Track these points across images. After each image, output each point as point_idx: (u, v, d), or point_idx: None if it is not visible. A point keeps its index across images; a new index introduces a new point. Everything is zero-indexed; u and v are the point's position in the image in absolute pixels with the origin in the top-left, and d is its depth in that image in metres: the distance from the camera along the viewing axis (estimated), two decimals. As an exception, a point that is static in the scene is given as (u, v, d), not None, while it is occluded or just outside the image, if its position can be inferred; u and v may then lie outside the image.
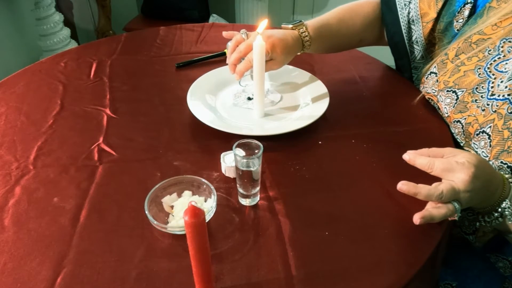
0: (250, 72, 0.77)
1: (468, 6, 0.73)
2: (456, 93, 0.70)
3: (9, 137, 0.74)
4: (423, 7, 0.80)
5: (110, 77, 0.93)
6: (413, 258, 0.53)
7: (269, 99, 0.83)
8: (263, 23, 0.74)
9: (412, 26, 0.83)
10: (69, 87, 0.89)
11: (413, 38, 0.84)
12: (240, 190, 0.60)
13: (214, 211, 0.57)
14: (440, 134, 0.74)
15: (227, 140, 0.69)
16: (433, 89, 0.76)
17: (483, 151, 0.64)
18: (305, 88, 0.85)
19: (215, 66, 0.92)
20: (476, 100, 0.67)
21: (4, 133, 0.75)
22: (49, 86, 0.89)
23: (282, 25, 0.81)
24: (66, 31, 2.02)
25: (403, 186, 0.55)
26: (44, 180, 0.65)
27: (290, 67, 0.90)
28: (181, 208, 0.58)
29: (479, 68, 0.68)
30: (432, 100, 0.78)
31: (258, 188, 0.60)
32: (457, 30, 0.76)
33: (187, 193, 0.61)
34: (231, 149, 0.58)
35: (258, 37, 0.69)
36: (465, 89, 0.69)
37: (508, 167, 0.60)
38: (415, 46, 0.85)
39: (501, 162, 0.61)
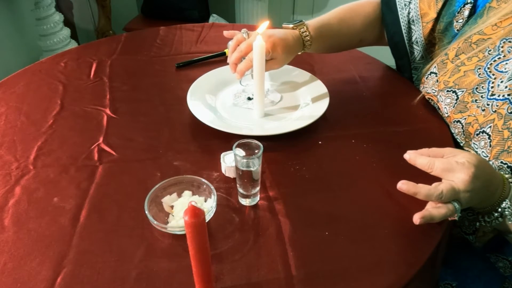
0: (251, 71, 0.77)
1: (468, 6, 0.73)
2: (456, 93, 0.70)
3: (9, 137, 0.74)
4: (423, 7, 0.80)
5: (110, 77, 0.93)
6: (413, 258, 0.53)
7: (269, 99, 0.83)
8: (264, 25, 0.74)
9: (412, 26, 0.83)
10: (69, 87, 0.89)
11: (413, 38, 0.84)
12: (240, 190, 0.60)
13: (214, 211, 0.57)
14: (440, 134, 0.74)
15: (227, 140, 0.69)
16: (433, 89, 0.76)
17: (483, 151, 0.64)
18: (305, 88, 0.85)
19: (215, 66, 0.92)
20: (476, 100, 0.67)
21: (4, 133, 0.75)
22: (49, 86, 0.89)
23: (283, 25, 0.81)
24: (66, 31, 2.02)
25: (403, 185, 0.55)
26: (44, 180, 0.65)
27: (290, 67, 0.90)
28: (181, 208, 0.58)
29: (479, 68, 0.68)
30: (432, 100, 0.78)
31: (258, 188, 0.60)
32: (457, 30, 0.76)
33: (187, 193, 0.61)
34: (231, 149, 0.58)
35: (258, 37, 0.69)
36: (465, 89, 0.69)
37: (508, 167, 0.60)
38: (415, 46, 0.85)
39: (501, 162, 0.61)
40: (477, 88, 0.67)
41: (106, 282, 0.50)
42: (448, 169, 0.54)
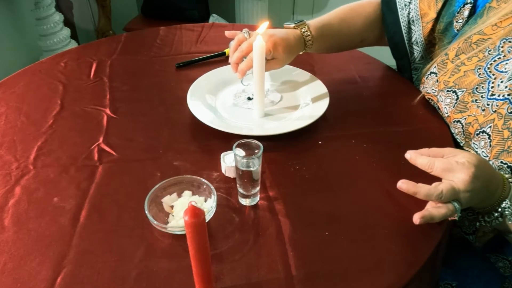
0: (252, 71, 0.77)
1: (468, 7, 0.73)
2: (456, 93, 0.70)
3: (9, 137, 0.74)
4: (423, 7, 0.80)
5: (110, 77, 0.93)
6: (413, 258, 0.53)
7: (269, 99, 0.83)
8: (263, 25, 0.74)
9: (412, 27, 0.83)
10: (69, 87, 0.89)
11: (413, 39, 0.84)
12: (240, 190, 0.60)
13: (214, 211, 0.57)
14: (440, 134, 0.74)
15: (227, 140, 0.69)
16: (433, 89, 0.76)
17: (483, 151, 0.64)
18: (305, 88, 0.85)
19: (215, 66, 0.92)
20: (476, 100, 0.67)
21: (4, 133, 0.75)
22: (49, 86, 0.89)
23: (284, 25, 0.81)
24: (66, 31, 2.02)
25: (403, 184, 0.55)
26: (44, 180, 0.65)
27: (290, 67, 0.90)
28: (181, 208, 0.58)
29: (479, 68, 0.68)
30: (432, 100, 0.78)
31: (258, 188, 0.60)
32: (457, 30, 0.76)
33: (187, 193, 0.61)
34: (231, 149, 0.58)
35: (258, 37, 0.69)
36: (465, 89, 0.69)
37: (508, 167, 0.60)
38: (414, 46, 0.85)
39: (501, 162, 0.61)
40: (477, 88, 0.67)
41: (106, 282, 0.50)
42: (448, 169, 0.54)
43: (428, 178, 0.56)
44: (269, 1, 2.17)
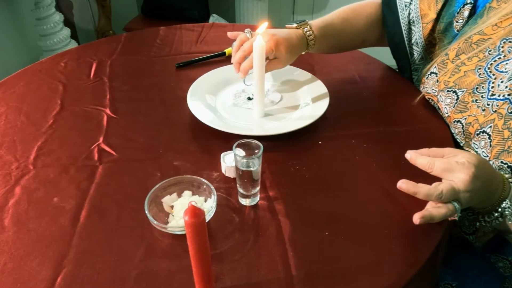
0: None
1: (468, 7, 0.73)
2: (456, 93, 0.70)
3: (9, 137, 0.74)
4: (423, 8, 0.80)
5: (110, 77, 0.93)
6: (413, 258, 0.53)
7: (269, 99, 0.83)
8: (263, 25, 0.74)
9: (412, 27, 0.83)
10: (69, 87, 0.89)
11: (413, 39, 0.84)
12: (240, 190, 0.60)
13: (214, 211, 0.57)
14: (440, 134, 0.74)
15: (227, 140, 0.69)
16: (433, 89, 0.76)
17: (483, 151, 0.64)
18: (305, 88, 0.85)
19: (215, 66, 0.92)
20: (476, 100, 0.67)
21: (4, 133, 0.75)
22: (49, 86, 0.89)
23: (286, 25, 0.81)
24: (66, 31, 2.02)
25: (403, 184, 0.55)
26: (44, 180, 0.65)
27: (291, 67, 0.90)
28: (181, 208, 0.58)
29: (480, 68, 0.68)
30: (432, 100, 0.78)
31: (258, 188, 0.60)
32: (457, 30, 0.76)
33: (187, 193, 0.61)
34: (231, 149, 0.58)
35: (258, 37, 0.69)
36: (465, 89, 0.69)
37: (508, 167, 0.60)
38: (414, 47, 0.85)
39: (501, 162, 0.61)
40: (477, 88, 0.67)
41: (106, 282, 0.50)
42: (448, 169, 0.54)
43: (428, 178, 0.56)
44: (269, 1, 2.17)
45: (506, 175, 0.58)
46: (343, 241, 0.55)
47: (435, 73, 0.76)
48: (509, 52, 0.65)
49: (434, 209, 0.54)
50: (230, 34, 0.85)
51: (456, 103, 0.70)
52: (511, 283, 0.68)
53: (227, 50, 1.00)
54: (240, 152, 0.58)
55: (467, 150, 0.67)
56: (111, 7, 2.23)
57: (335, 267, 0.52)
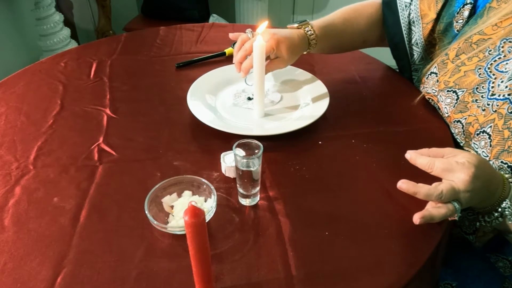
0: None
1: (468, 7, 0.73)
2: (456, 93, 0.70)
3: (9, 137, 0.74)
4: (423, 8, 0.80)
5: (110, 77, 0.93)
6: (413, 258, 0.53)
7: (269, 99, 0.83)
8: (263, 25, 0.74)
9: (413, 28, 0.83)
10: (69, 87, 0.89)
11: (413, 40, 0.84)
12: (240, 190, 0.60)
13: (214, 211, 0.57)
14: (440, 134, 0.74)
15: (227, 140, 0.69)
16: (433, 89, 0.76)
17: (483, 151, 0.64)
18: (305, 88, 0.85)
19: (215, 66, 0.92)
20: (476, 100, 0.67)
21: (4, 133, 0.75)
22: (49, 86, 0.89)
23: (288, 26, 0.81)
24: (66, 31, 2.02)
25: (403, 184, 0.55)
26: (44, 180, 0.65)
27: (291, 67, 0.90)
28: (181, 208, 0.58)
29: (480, 68, 0.68)
30: (432, 100, 0.78)
31: (258, 188, 0.60)
32: (457, 30, 0.76)
33: (187, 193, 0.61)
34: (231, 149, 0.58)
35: (258, 37, 0.69)
36: (465, 89, 0.69)
37: (508, 166, 0.60)
38: (414, 48, 0.85)
39: (502, 162, 0.61)
40: (477, 88, 0.67)
41: (106, 282, 0.50)
42: (448, 169, 0.54)
43: (428, 178, 0.56)
44: (269, 1, 2.17)
45: (506, 175, 0.58)
46: (343, 241, 0.55)
47: (435, 73, 0.76)
48: (509, 52, 0.65)
49: (434, 209, 0.54)
50: (231, 35, 0.85)
51: (456, 103, 0.70)
52: (511, 283, 0.68)
53: (227, 50, 1.00)
54: (240, 152, 0.58)
55: (467, 150, 0.67)
56: (111, 7, 2.23)
57: (335, 267, 0.52)
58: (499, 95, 0.63)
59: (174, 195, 0.60)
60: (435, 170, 0.55)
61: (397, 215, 0.59)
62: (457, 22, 0.75)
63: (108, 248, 0.54)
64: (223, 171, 0.65)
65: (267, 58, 0.76)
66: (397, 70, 0.94)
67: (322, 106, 0.77)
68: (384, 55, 0.98)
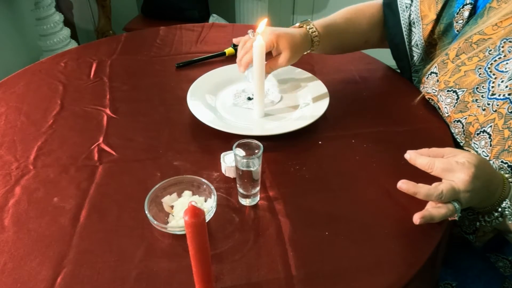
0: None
1: (468, 7, 0.73)
2: (456, 93, 0.70)
3: (9, 137, 0.74)
4: (423, 9, 0.80)
5: (110, 77, 0.93)
6: (413, 258, 0.53)
7: (269, 99, 0.82)
8: (262, 23, 0.74)
9: (413, 29, 0.83)
10: (69, 87, 0.89)
11: (413, 41, 0.84)
12: (240, 190, 0.60)
13: (214, 211, 0.57)
14: (440, 134, 0.74)
15: (227, 140, 0.69)
16: (433, 89, 0.76)
17: (483, 151, 0.64)
18: (305, 88, 0.85)
19: (215, 66, 0.92)
20: (476, 99, 0.67)
21: (4, 133, 0.75)
22: (49, 86, 0.89)
23: (290, 27, 0.81)
24: (66, 31, 2.02)
25: (403, 184, 0.55)
26: (44, 180, 0.65)
27: (291, 67, 0.90)
28: (181, 208, 0.58)
29: (480, 68, 0.68)
30: (432, 100, 0.78)
31: (258, 188, 0.60)
32: (457, 31, 0.76)
33: (187, 193, 0.61)
34: (231, 149, 0.58)
35: (258, 37, 0.69)
36: (465, 89, 0.69)
37: (508, 166, 0.60)
38: (414, 49, 0.85)
39: (502, 162, 0.61)
40: (477, 87, 0.67)
41: (106, 282, 0.50)
42: (448, 169, 0.54)
43: (428, 178, 0.56)
44: (269, 1, 2.17)
45: (506, 175, 0.58)
46: (343, 241, 0.55)
47: (435, 73, 0.76)
48: (509, 52, 0.65)
49: (434, 209, 0.54)
50: (235, 40, 0.85)
51: (456, 102, 0.70)
52: (511, 283, 0.68)
53: (227, 50, 1.00)
54: (240, 152, 0.58)
55: (467, 150, 0.67)
56: (111, 7, 2.23)
57: (335, 267, 0.52)
58: (499, 95, 0.63)
59: (174, 195, 0.60)
60: (435, 170, 0.55)
61: (397, 215, 0.59)
62: (457, 22, 0.75)
63: (108, 248, 0.54)
64: (223, 171, 0.65)
65: (268, 54, 0.76)
66: (397, 70, 0.94)
67: (322, 106, 0.77)
68: (384, 56, 0.98)
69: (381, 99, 0.86)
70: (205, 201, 0.60)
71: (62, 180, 0.65)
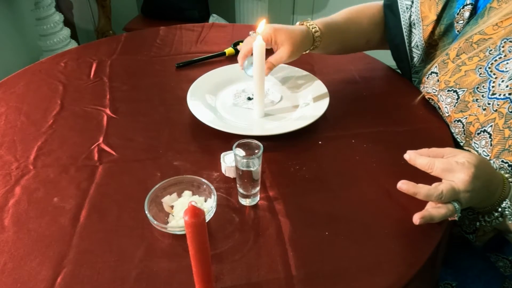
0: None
1: (468, 8, 0.73)
2: (457, 93, 0.70)
3: (9, 137, 0.74)
4: (424, 10, 0.80)
5: (110, 77, 0.93)
6: (413, 258, 0.53)
7: (269, 99, 0.82)
8: (261, 23, 0.74)
9: (413, 30, 0.83)
10: (69, 87, 0.89)
11: (413, 42, 0.84)
12: (240, 190, 0.60)
13: (214, 211, 0.57)
14: (440, 134, 0.74)
15: (227, 140, 0.69)
16: (433, 88, 0.76)
17: (484, 150, 0.64)
18: (305, 88, 0.85)
19: (215, 66, 0.92)
20: (477, 99, 0.67)
21: (4, 133, 0.75)
22: (49, 86, 0.89)
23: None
24: (66, 31, 2.02)
25: (403, 185, 0.55)
26: (44, 180, 0.65)
27: (291, 67, 0.90)
28: (181, 208, 0.58)
29: (480, 68, 0.68)
30: (432, 100, 0.78)
31: (258, 188, 0.60)
32: (458, 31, 0.76)
33: (187, 193, 0.61)
34: (231, 149, 0.58)
35: (258, 38, 0.69)
36: (466, 89, 0.69)
37: (509, 166, 0.60)
38: (414, 50, 0.85)
39: (502, 161, 0.61)
40: (478, 87, 0.67)
41: (106, 282, 0.50)
42: (448, 169, 0.54)
43: (428, 178, 0.55)
44: (269, 1, 2.17)
45: (506, 175, 0.58)
46: (343, 241, 0.55)
47: (436, 73, 0.76)
48: (510, 51, 0.65)
49: (434, 210, 0.54)
50: (239, 47, 0.85)
51: (456, 102, 0.70)
52: (511, 283, 0.68)
53: (227, 50, 1.00)
54: (240, 152, 0.58)
55: (468, 150, 0.67)
56: (111, 7, 2.23)
57: (335, 267, 0.52)
58: (499, 95, 0.63)
59: (174, 195, 0.60)
60: (435, 171, 0.55)
61: (397, 215, 0.59)
62: (457, 23, 0.75)
63: (108, 248, 0.54)
64: (223, 171, 0.65)
65: (271, 53, 0.76)
66: (398, 71, 0.94)
67: (322, 106, 0.77)
68: (384, 56, 0.98)
69: (381, 99, 0.86)
70: (205, 201, 0.60)
71: (62, 180, 0.65)
